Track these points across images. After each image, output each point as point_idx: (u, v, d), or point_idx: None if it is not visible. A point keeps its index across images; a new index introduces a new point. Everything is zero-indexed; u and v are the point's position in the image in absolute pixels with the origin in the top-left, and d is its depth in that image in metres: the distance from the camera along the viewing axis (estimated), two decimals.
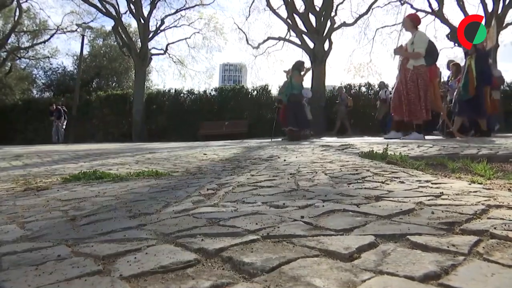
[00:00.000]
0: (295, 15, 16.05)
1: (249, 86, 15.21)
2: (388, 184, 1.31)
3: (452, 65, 7.50)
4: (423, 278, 0.49)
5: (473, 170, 1.73)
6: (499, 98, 7.88)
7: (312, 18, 15.52)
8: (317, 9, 15.80)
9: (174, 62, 23.02)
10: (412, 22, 5.55)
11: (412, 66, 5.33)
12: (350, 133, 10.62)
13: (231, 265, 0.58)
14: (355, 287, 0.48)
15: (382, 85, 11.16)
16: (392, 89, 7.38)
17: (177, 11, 21.16)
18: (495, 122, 8.20)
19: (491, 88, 6.55)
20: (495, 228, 0.70)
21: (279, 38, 18.62)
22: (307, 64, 9.26)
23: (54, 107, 14.33)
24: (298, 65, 7.55)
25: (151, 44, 19.48)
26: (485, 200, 0.96)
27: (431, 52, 5.39)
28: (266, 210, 0.95)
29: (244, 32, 20.33)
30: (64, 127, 13.91)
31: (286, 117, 7.41)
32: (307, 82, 9.36)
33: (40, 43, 25.02)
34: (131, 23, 22.95)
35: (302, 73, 7.51)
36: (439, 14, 16.37)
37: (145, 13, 19.12)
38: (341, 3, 17.72)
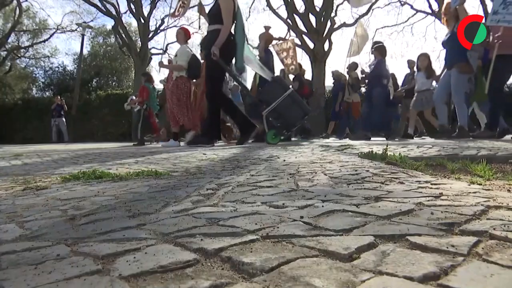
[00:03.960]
0: (295, 15, 16.07)
1: (248, 86, 15.22)
2: (387, 184, 1.31)
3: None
4: (423, 279, 0.49)
5: (472, 171, 1.73)
6: (359, 100, 8.02)
7: (312, 19, 15.54)
8: (317, 9, 15.82)
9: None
10: (185, 35, 6.13)
11: (175, 77, 5.91)
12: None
13: (231, 265, 0.58)
14: (354, 287, 0.48)
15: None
16: None
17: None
18: (347, 125, 8.43)
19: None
20: (494, 229, 0.70)
21: (279, 38, 18.62)
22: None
23: (59, 98, 14.14)
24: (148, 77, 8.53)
25: (151, 44, 19.52)
26: (485, 201, 0.96)
27: (194, 65, 5.96)
28: (265, 210, 0.95)
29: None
30: (65, 124, 13.75)
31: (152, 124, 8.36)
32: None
33: (40, 42, 25.04)
34: (131, 22, 22.95)
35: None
36: (439, 15, 16.39)
37: (145, 12, 19.12)
38: (341, 3, 17.76)
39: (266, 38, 6.84)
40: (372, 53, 7.07)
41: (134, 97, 8.89)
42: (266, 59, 6.60)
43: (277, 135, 4.72)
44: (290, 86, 5.43)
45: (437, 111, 5.74)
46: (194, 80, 6.22)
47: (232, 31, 4.79)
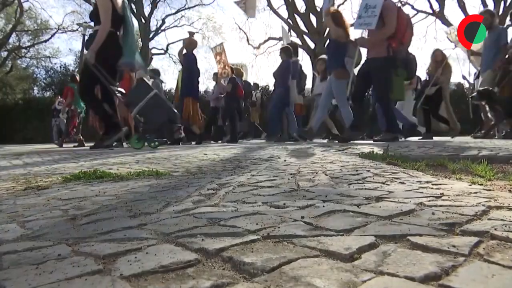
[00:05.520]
0: (296, 16, 16.07)
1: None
2: (388, 184, 1.31)
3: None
4: (424, 279, 0.49)
5: (473, 171, 1.73)
6: (301, 103, 8.11)
7: (313, 19, 15.55)
8: (318, 9, 15.83)
9: (174, 62, 23.09)
10: None
11: None
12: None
13: (232, 265, 0.58)
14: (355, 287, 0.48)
15: (255, 87, 11.18)
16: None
17: (177, 11, 21.23)
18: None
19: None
20: (495, 229, 0.70)
21: (280, 38, 18.64)
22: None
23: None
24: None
25: (151, 44, 19.55)
26: (486, 201, 0.96)
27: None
28: (266, 210, 0.95)
29: (244, 32, 20.40)
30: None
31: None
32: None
33: (41, 42, 25.07)
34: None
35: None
36: (440, 15, 16.41)
37: (146, 13, 19.13)
38: (342, 3, 17.77)
39: (187, 42, 7.11)
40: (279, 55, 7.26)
41: (61, 98, 8.94)
42: (185, 63, 6.84)
43: (141, 140, 4.61)
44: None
45: (315, 115, 5.81)
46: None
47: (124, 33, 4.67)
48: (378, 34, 4.79)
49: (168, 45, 21.43)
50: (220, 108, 8.40)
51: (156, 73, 8.09)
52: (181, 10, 21.49)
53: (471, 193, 1.10)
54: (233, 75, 8.43)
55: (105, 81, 4.43)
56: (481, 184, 1.31)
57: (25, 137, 16.10)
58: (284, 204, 1.02)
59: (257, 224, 0.81)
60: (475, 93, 5.60)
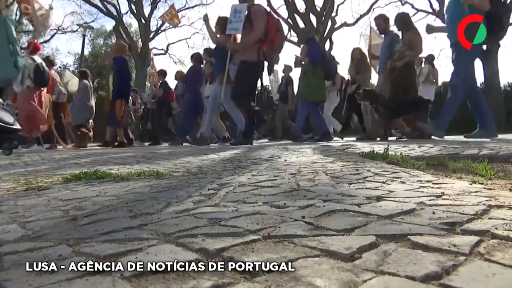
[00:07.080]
0: (296, 15, 16.05)
1: None
2: (389, 184, 1.31)
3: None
4: (424, 278, 0.49)
5: (474, 170, 1.73)
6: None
7: (313, 18, 15.53)
8: (318, 9, 15.82)
9: (175, 62, 23.11)
10: (34, 48, 6.62)
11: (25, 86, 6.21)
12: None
13: None
14: (356, 287, 0.48)
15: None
16: None
17: (178, 11, 21.16)
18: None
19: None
20: (496, 228, 0.70)
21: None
22: None
23: None
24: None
25: (151, 44, 19.55)
26: (486, 200, 0.96)
27: (37, 74, 6.28)
28: (267, 210, 0.95)
29: None
30: None
31: None
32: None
33: (41, 43, 25.01)
34: (132, 23, 22.98)
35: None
36: (440, 14, 16.37)
37: (146, 13, 19.12)
38: (342, 3, 17.78)
39: (116, 47, 7.42)
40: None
41: None
42: (115, 67, 7.04)
43: None
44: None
45: (205, 120, 5.99)
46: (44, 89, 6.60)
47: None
48: (246, 39, 4.88)
49: (168, 45, 21.48)
50: (151, 110, 8.74)
51: (83, 75, 8.21)
52: (181, 10, 21.49)
53: (471, 192, 1.10)
54: (165, 80, 8.71)
55: None
56: (482, 183, 1.31)
57: None
58: (285, 204, 1.02)
59: (257, 224, 0.81)
60: (361, 90, 5.55)
